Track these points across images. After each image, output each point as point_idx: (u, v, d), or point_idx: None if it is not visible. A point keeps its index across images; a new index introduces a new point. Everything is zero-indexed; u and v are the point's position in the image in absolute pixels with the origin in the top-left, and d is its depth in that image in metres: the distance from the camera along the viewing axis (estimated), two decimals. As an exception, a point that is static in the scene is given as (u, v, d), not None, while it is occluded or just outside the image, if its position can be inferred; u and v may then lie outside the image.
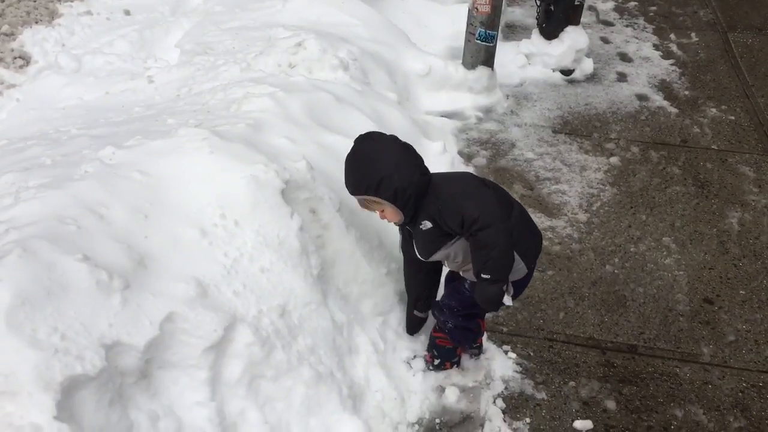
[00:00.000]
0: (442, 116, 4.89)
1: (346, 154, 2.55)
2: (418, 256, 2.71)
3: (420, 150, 4.20)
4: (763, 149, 4.80)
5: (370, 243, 3.07)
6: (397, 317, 3.09)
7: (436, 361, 3.00)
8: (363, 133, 2.63)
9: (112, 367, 2.14)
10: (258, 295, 2.60)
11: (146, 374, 2.25)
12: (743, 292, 3.64)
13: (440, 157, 4.22)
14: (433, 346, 2.99)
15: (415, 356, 3.07)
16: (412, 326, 3.09)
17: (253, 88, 3.84)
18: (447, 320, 2.87)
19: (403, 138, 4.10)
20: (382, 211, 2.58)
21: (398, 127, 4.13)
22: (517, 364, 3.16)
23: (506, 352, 3.21)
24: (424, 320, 3.07)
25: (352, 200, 3.23)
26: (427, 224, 2.55)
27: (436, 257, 2.67)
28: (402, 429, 2.79)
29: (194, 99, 3.99)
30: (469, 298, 2.72)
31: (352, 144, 2.57)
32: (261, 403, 2.45)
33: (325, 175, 3.17)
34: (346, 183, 2.56)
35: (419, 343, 3.11)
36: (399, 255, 3.18)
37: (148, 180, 2.75)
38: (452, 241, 2.59)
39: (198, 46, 4.85)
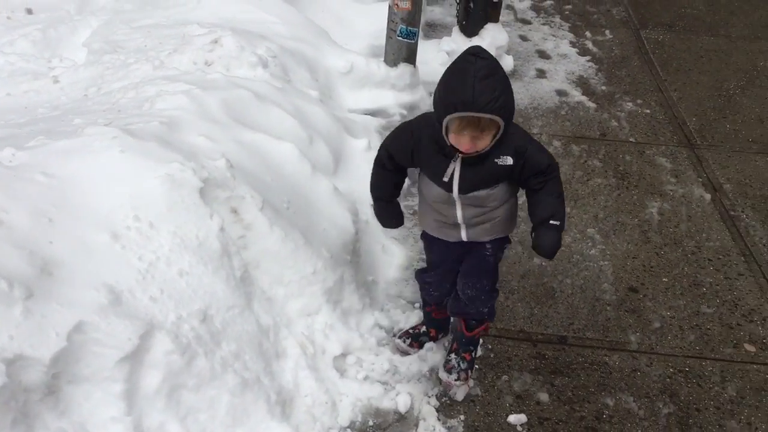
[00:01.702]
0: (366, 114, 4.81)
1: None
2: (453, 190, 2.43)
3: (344, 147, 4.17)
4: (678, 141, 4.94)
5: (296, 242, 2.95)
6: (325, 318, 2.97)
7: (477, 354, 3.03)
8: (470, 47, 2.22)
9: (15, 383, 1.96)
10: (177, 300, 2.45)
11: (54, 390, 2.07)
12: (666, 280, 3.71)
13: (365, 154, 4.13)
14: (471, 345, 2.98)
15: (345, 356, 2.97)
16: (397, 218, 2.73)
17: (166, 85, 3.66)
18: (488, 305, 2.81)
19: (327, 135, 4.06)
20: (475, 137, 2.24)
21: (321, 124, 4.04)
22: (450, 360, 3.11)
23: (440, 348, 3.15)
24: (401, 214, 2.75)
25: (276, 199, 3.12)
26: (507, 160, 2.35)
27: (476, 194, 2.45)
28: (334, 434, 2.68)
29: (103, 98, 3.77)
30: (495, 262, 2.73)
31: (457, 61, 2.19)
32: (182, 415, 2.30)
33: (246, 174, 3.04)
34: (470, 99, 2.11)
35: (351, 343, 3.01)
36: (326, 254, 3.08)
37: (52, 182, 2.55)
38: (501, 182, 2.46)
39: (107, 45, 4.61)
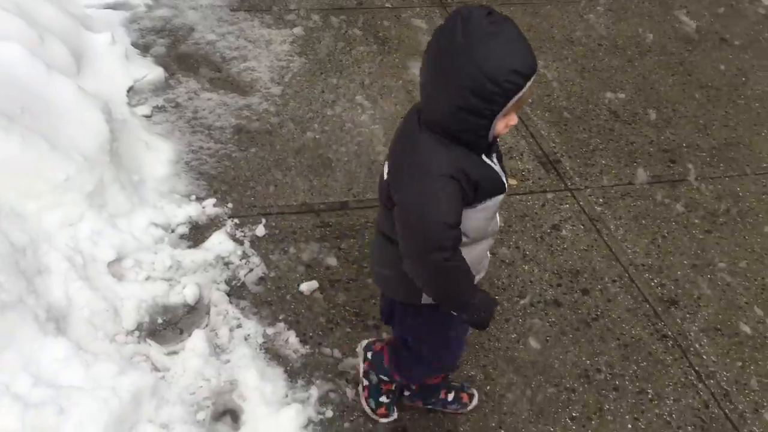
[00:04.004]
0: (107, 8, 4.38)
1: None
2: (506, 186, 1.94)
3: (85, 45, 3.79)
4: (431, 1, 5.05)
5: (39, 149, 2.67)
6: (90, 225, 2.76)
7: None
8: (470, 6, 1.72)
9: None
10: None
11: None
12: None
13: (110, 48, 3.80)
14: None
15: (121, 260, 2.80)
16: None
17: None
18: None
19: (61, 33, 3.65)
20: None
21: (53, 22, 3.62)
22: (235, 243, 3.05)
23: (222, 236, 3.07)
24: None
25: (6, 105, 2.76)
26: None
27: None
28: (121, 339, 2.55)
29: None
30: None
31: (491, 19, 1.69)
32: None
33: (-37, 81, 2.66)
34: (532, 65, 1.70)
35: (124, 246, 2.84)
36: (78, 157, 2.83)
37: None
38: None
39: None
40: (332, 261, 3.06)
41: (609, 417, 2.61)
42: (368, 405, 2.50)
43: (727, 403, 2.70)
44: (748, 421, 2.65)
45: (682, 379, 2.76)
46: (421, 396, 2.52)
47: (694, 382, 2.75)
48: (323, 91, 4.06)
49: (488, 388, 2.66)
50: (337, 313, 2.86)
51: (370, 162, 3.63)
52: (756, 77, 4.53)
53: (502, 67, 1.65)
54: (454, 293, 1.90)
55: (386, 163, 1.96)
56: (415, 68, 4.29)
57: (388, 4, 4.95)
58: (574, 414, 2.61)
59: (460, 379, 2.64)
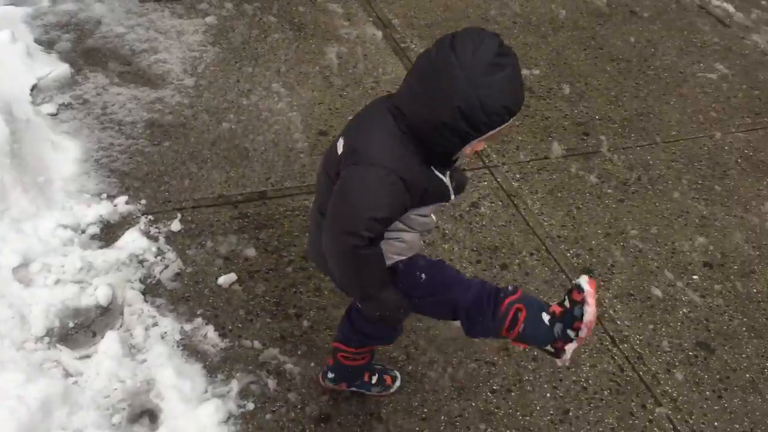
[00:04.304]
0: (8, 5, 4.21)
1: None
2: (451, 195, 2.00)
3: (-18, 43, 3.63)
4: (346, -15, 5.02)
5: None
6: (-8, 230, 2.67)
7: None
8: (485, 31, 1.78)
9: None
10: None
11: None
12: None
13: (10, 47, 3.66)
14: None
15: (27, 265, 2.71)
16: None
17: None
18: None
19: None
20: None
21: (-55, 21, 3.46)
22: (150, 240, 2.98)
23: (135, 234, 3.00)
24: None
25: None
26: None
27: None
28: (30, 346, 2.47)
29: None
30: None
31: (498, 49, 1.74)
32: None
33: None
34: (521, 105, 1.80)
35: (30, 251, 2.75)
36: (-25, 161, 2.72)
37: None
38: None
39: None
40: (251, 252, 3.03)
41: (528, 387, 2.66)
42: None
43: (641, 366, 2.79)
44: (661, 382, 2.74)
45: (598, 345, 2.84)
46: (346, 379, 2.53)
47: (609, 347, 2.84)
48: (238, 81, 4.00)
49: (410, 368, 2.68)
50: (257, 304, 2.84)
51: (288, 150, 3.59)
52: (664, 48, 4.67)
53: (497, 101, 1.73)
54: (355, 282, 1.92)
55: (341, 138, 1.96)
56: (333, 53, 4.29)
57: (302, -11, 4.90)
58: (494, 387, 2.65)
59: (383, 361, 2.66)
